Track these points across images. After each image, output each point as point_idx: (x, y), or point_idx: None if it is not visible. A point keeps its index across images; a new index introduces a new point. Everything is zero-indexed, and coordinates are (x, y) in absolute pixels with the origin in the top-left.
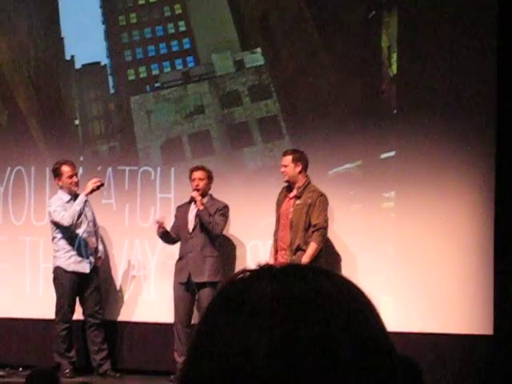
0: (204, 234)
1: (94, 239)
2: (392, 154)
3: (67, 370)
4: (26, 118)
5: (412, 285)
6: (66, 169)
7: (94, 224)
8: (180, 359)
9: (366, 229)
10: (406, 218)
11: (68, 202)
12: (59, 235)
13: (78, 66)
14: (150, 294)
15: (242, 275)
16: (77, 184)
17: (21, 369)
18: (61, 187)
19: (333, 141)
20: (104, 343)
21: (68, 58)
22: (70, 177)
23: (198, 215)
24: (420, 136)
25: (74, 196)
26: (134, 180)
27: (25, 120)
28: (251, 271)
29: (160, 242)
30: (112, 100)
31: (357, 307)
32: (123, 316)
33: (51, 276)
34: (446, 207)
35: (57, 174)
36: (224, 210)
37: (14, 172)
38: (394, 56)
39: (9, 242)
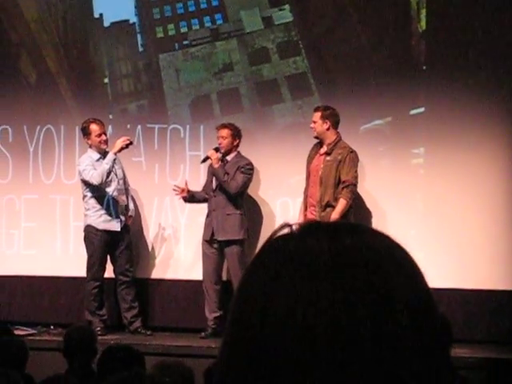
0: (226, 192)
1: (124, 197)
2: (421, 110)
3: (98, 328)
4: (55, 76)
5: (442, 240)
6: (94, 127)
7: (125, 182)
8: (211, 316)
9: (395, 185)
10: (435, 174)
11: (97, 160)
12: (89, 194)
13: (106, 24)
14: (180, 252)
15: (287, 232)
16: (106, 142)
17: (52, 327)
18: (90, 146)
19: (362, 97)
20: (135, 301)
21: (97, 16)
22: (99, 135)
23: (212, 173)
24: (449, 92)
25: (104, 154)
26: (163, 138)
27: (54, 79)
28: (298, 228)
29: None
30: (141, 58)
31: (409, 265)
32: (154, 274)
33: (82, 234)
34: (476, 163)
35: (86, 132)
36: (246, 168)
37: (43, 131)
38: (424, 12)
39: (39, 200)
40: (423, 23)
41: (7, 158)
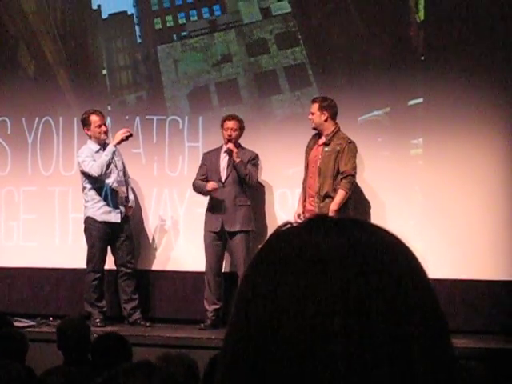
0: (237, 184)
1: (124, 188)
2: (420, 100)
3: (98, 320)
4: (54, 68)
5: (441, 231)
6: (94, 118)
7: (125, 173)
8: (210, 307)
9: (394, 176)
10: (434, 164)
11: (97, 151)
12: (89, 185)
13: (104, 15)
14: (179, 243)
15: (292, 229)
16: (106, 133)
17: (51, 318)
18: (90, 137)
19: (360, 88)
20: (135, 293)
21: (95, 7)
22: (99, 126)
23: (232, 166)
24: (448, 82)
25: (103, 146)
26: (162, 129)
27: (52, 70)
28: (304, 224)
29: (189, 191)
30: (139, 49)
31: (414, 261)
32: (153, 265)
33: (81, 226)
34: (474, 153)
35: (85, 123)
36: (255, 160)
37: (42, 122)
38: (422, 2)
39: (38, 192)
40: (421, 14)
41: (6, 150)
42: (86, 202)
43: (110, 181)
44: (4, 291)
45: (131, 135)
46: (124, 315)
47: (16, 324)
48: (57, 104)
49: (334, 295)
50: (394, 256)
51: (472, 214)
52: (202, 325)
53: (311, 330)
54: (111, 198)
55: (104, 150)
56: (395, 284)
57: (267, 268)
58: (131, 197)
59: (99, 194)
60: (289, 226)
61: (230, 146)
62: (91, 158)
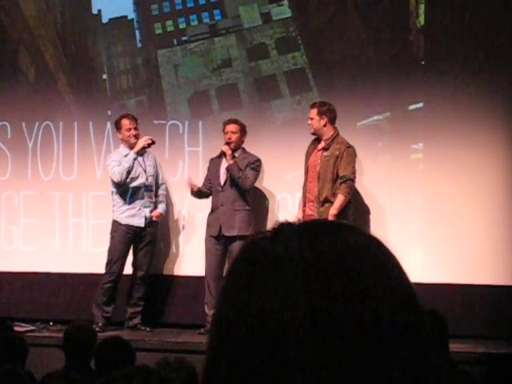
0: (235, 188)
1: (152, 194)
2: (420, 105)
3: (99, 324)
4: (54, 72)
5: (441, 236)
6: (125, 122)
7: (157, 179)
8: (210, 312)
9: (394, 180)
10: (434, 169)
11: (126, 156)
12: (115, 189)
13: (104, 20)
14: (179, 248)
15: (262, 235)
16: (135, 137)
17: (51, 323)
18: (121, 140)
19: (361, 92)
20: (142, 300)
21: (95, 12)
22: (129, 130)
23: (227, 169)
24: (448, 87)
25: None
26: (162, 134)
27: (52, 75)
28: (271, 230)
29: (188, 195)
30: (139, 54)
31: (385, 258)
32: (153, 269)
33: (81, 231)
34: (475, 158)
35: (117, 126)
36: (255, 164)
37: (42, 127)
38: (422, 7)
39: (38, 197)
40: (421, 19)
41: (6, 155)
42: (113, 206)
43: (136, 185)
44: (4, 296)
45: (154, 143)
46: (125, 318)
47: (16, 329)
48: (57, 108)
49: (298, 298)
50: (362, 256)
51: (472, 218)
52: (203, 329)
53: (278, 330)
54: (137, 202)
55: None
56: (360, 283)
57: (236, 277)
58: (162, 201)
59: (124, 198)
60: (261, 234)
61: (224, 148)
62: (117, 163)
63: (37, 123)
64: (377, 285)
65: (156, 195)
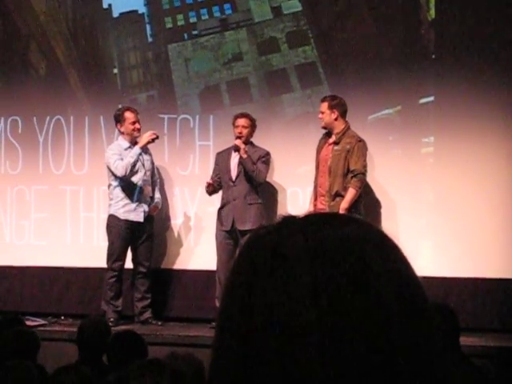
0: (247, 182)
1: (149, 188)
2: (431, 99)
3: (111, 319)
4: (65, 67)
5: (452, 229)
6: (128, 115)
7: (153, 174)
8: None
9: (405, 174)
10: (445, 163)
11: (126, 149)
12: (114, 183)
13: (115, 14)
14: (190, 242)
15: (266, 229)
16: (139, 130)
17: (62, 317)
18: (122, 133)
19: (371, 86)
20: (148, 292)
21: (105, 6)
22: (133, 123)
23: (240, 163)
24: (459, 81)
25: (135, 144)
26: (173, 128)
27: (63, 70)
28: (275, 224)
29: (200, 189)
30: (150, 48)
31: (390, 250)
32: (164, 264)
33: (92, 225)
34: (485, 152)
35: (119, 119)
36: (266, 158)
37: (53, 121)
38: (433, 1)
39: (49, 191)
40: (432, 12)
41: (17, 149)
42: (111, 199)
43: (136, 180)
44: (15, 290)
45: (157, 137)
46: (135, 313)
47: (27, 323)
48: (68, 103)
49: (304, 291)
50: (365, 248)
51: (483, 211)
52: (213, 323)
53: (285, 323)
54: (136, 196)
55: (134, 148)
56: (365, 275)
57: (240, 270)
58: (157, 196)
59: (124, 192)
60: (264, 228)
61: (238, 142)
62: (118, 156)
63: (48, 118)
64: (382, 277)
65: (153, 190)
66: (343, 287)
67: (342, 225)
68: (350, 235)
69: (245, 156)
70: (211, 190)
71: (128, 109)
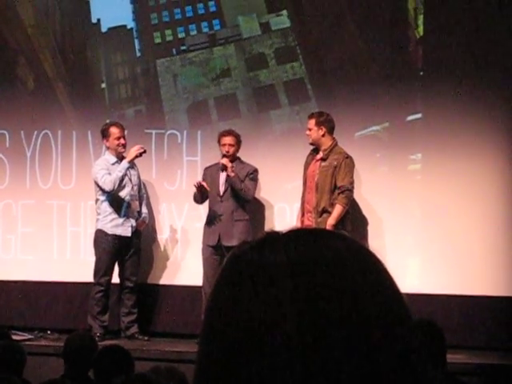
0: (234, 198)
1: (137, 203)
2: (418, 116)
3: (98, 333)
4: (53, 81)
5: (439, 247)
6: (113, 130)
7: (140, 188)
8: None
9: (392, 191)
10: (432, 180)
11: (113, 164)
12: (102, 198)
13: (104, 29)
14: (177, 257)
15: (248, 245)
16: (124, 146)
17: (49, 332)
18: (108, 148)
19: (359, 103)
20: (135, 307)
21: (94, 21)
22: (118, 138)
23: (228, 182)
24: (446, 98)
25: (121, 159)
26: (160, 143)
27: (51, 84)
28: (257, 240)
29: (186, 205)
30: (138, 63)
31: (372, 264)
32: (151, 279)
33: (79, 240)
34: (473, 169)
35: (105, 134)
36: (254, 174)
37: (40, 136)
38: (421, 18)
39: (36, 205)
40: (420, 29)
41: (4, 163)
42: (98, 214)
43: (123, 195)
44: (1, 304)
45: (145, 151)
46: (121, 328)
47: (14, 337)
48: (55, 117)
49: (284, 303)
50: (346, 264)
51: (471, 229)
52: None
53: (267, 335)
54: (123, 211)
55: (121, 162)
56: (345, 290)
57: (222, 286)
58: (144, 211)
59: (111, 207)
60: (247, 243)
61: (224, 161)
62: (106, 171)
63: (35, 132)
64: (363, 290)
65: (140, 204)
66: (324, 302)
67: (324, 239)
68: (332, 250)
69: (232, 175)
70: (201, 192)
71: (114, 124)
